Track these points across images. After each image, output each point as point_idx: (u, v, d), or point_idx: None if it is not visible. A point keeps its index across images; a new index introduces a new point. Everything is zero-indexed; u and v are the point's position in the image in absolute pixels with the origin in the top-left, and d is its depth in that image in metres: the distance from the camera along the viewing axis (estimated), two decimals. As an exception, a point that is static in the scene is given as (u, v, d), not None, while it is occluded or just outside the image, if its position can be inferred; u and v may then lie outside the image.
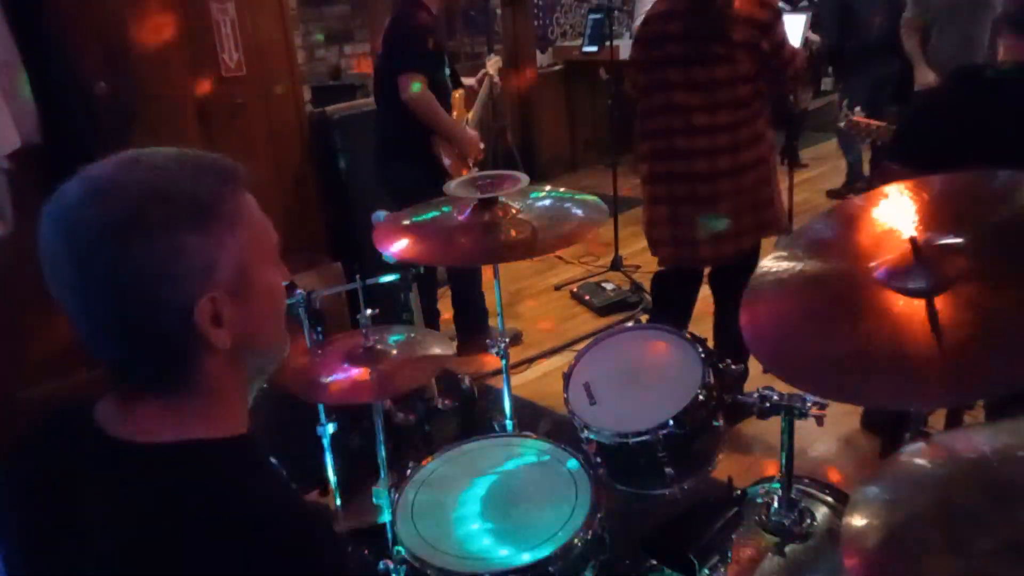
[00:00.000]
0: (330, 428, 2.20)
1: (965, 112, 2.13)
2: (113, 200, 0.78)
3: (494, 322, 2.77)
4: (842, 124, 2.98)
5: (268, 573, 0.78)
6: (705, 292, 3.11)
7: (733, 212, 2.73)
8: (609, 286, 4.41)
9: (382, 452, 1.97)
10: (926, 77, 4.41)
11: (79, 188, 0.80)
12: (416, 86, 3.30)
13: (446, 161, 3.49)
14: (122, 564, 0.80)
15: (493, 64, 4.06)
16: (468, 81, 3.87)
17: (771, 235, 2.88)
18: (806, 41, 4.04)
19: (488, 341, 2.20)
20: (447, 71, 3.55)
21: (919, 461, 1.13)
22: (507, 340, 2.17)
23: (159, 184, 0.80)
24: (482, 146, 3.74)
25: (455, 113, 3.65)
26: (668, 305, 3.07)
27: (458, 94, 3.72)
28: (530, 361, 3.79)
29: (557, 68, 6.89)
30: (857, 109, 2.94)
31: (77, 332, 0.83)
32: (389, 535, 1.70)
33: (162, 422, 0.84)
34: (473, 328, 3.75)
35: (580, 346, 1.97)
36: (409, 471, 1.82)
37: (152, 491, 0.81)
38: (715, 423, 1.75)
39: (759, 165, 2.75)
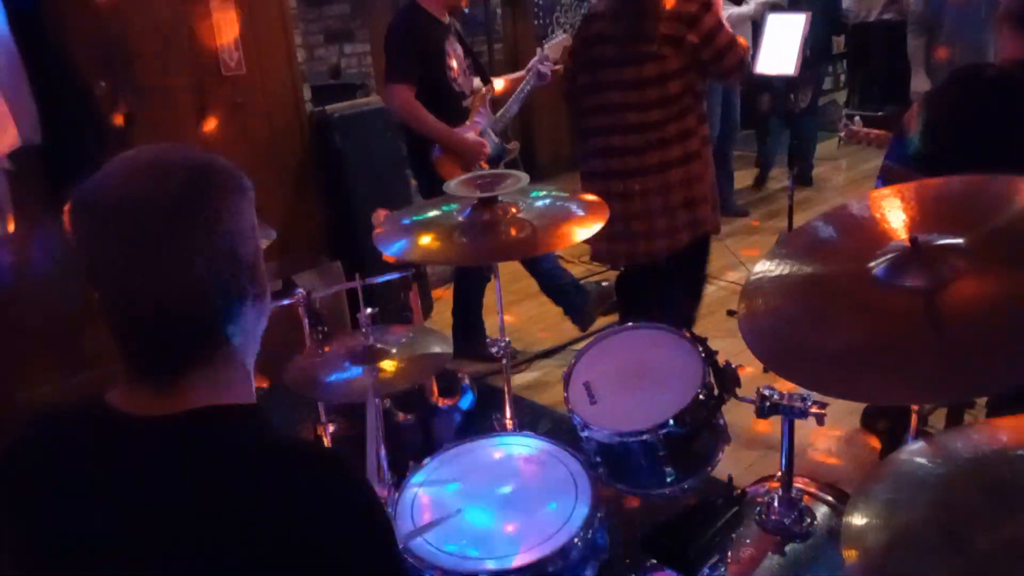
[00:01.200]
0: (330, 427, 2.20)
1: (966, 112, 2.13)
2: (174, 175, 0.86)
3: (493, 320, 2.76)
4: (842, 133, 2.99)
5: (342, 521, 0.83)
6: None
7: (665, 207, 2.76)
8: (609, 285, 4.40)
9: (382, 452, 1.96)
10: (921, 85, 4.37)
11: (129, 177, 0.86)
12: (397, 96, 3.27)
13: (443, 171, 3.36)
14: (190, 529, 0.81)
15: (554, 47, 3.86)
16: (516, 74, 3.75)
17: (707, 233, 2.87)
18: (803, 41, 4.01)
19: (488, 340, 2.19)
20: (450, 76, 3.42)
21: (919, 461, 1.13)
22: (508, 340, 2.17)
23: (201, 160, 0.90)
24: (513, 145, 3.66)
25: (471, 118, 3.53)
26: (633, 302, 3.11)
27: (484, 91, 3.63)
28: (530, 360, 3.79)
29: (557, 67, 6.87)
30: (856, 118, 2.95)
31: (126, 316, 0.87)
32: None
33: (195, 395, 0.89)
34: (467, 336, 3.72)
35: (580, 345, 1.97)
36: (409, 471, 1.82)
37: (203, 446, 0.87)
38: (715, 422, 1.75)
39: (690, 161, 2.75)
